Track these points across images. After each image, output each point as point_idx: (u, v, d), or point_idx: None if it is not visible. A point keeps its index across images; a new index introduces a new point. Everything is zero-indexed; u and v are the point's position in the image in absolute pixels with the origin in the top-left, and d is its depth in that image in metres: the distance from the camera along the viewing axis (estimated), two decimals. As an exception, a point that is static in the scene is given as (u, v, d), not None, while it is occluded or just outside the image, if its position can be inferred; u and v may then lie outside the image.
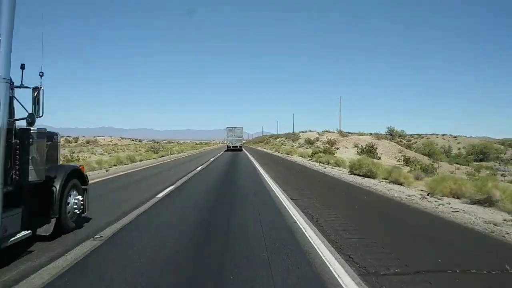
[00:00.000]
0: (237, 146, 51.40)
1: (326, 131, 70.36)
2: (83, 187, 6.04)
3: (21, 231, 4.45)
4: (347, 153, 40.91)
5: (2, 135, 3.81)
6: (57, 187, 5.21)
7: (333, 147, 45.56)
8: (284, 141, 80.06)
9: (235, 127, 53.14)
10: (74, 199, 5.74)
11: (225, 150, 50.59)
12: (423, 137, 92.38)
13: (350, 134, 62.05)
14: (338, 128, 70.33)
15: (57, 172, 5.37)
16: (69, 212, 5.57)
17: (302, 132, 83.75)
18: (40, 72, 4.80)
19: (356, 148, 44.34)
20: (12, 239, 4.23)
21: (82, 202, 5.91)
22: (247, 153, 44.15)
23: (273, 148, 64.79)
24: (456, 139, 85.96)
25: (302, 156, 37.22)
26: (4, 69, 3.80)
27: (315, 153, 33.01)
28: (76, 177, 5.88)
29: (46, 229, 4.94)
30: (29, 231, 4.60)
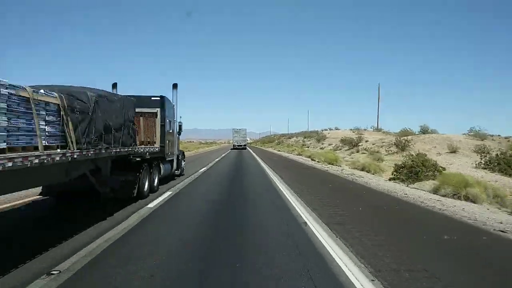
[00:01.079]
0: (241, 145, 58.30)
1: (358, 129, 55.38)
2: (183, 159, 15.56)
3: (175, 171, 13.44)
4: (455, 164, 23.54)
5: (177, 138, 13.69)
6: (180, 157, 14.46)
7: (408, 152, 25.93)
8: (304, 141, 64.45)
9: (240, 129, 60.70)
10: (183, 163, 15.10)
11: (231, 149, 56.70)
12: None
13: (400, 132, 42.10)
14: (376, 125, 56.26)
15: (179, 152, 14.32)
16: (182, 168, 14.81)
17: (324, 130, 68.33)
18: (180, 116, 13.50)
19: (457, 153, 27.20)
20: (175, 173, 13.71)
21: (184, 165, 15.28)
22: (259, 160, 28.71)
23: (292, 151, 46.21)
24: (509, 141, 66.49)
25: (370, 171, 19.60)
26: (176, 117, 13.03)
27: (412, 167, 15.98)
28: (183, 154, 15.35)
29: (177, 173, 14.00)
30: (177, 170, 13.85)
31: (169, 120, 11.78)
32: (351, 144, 40.65)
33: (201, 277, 4.04)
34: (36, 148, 4.29)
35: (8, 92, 3.81)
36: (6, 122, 3.78)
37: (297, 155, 39.05)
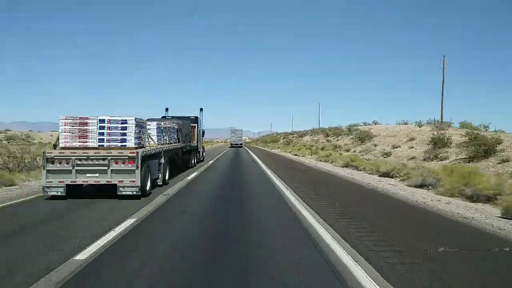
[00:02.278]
0: (238, 144, 67.56)
1: (418, 123, 36.49)
2: (204, 151, 25.69)
3: (201, 157, 23.40)
4: None
5: (201, 137, 22.54)
6: (203, 150, 24.93)
7: None
8: (329, 141, 45.29)
9: (236, 130, 71.07)
10: (203, 153, 24.99)
11: (229, 147, 65.09)
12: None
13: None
14: (439, 118, 37.04)
15: (202, 147, 24.51)
16: (203, 156, 24.84)
17: (354, 125, 47.85)
18: (204, 126, 23.36)
19: None
20: (201, 159, 23.61)
21: (204, 155, 25.16)
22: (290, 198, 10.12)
23: (326, 157, 27.35)
24: None
25: None
26: (203, 125, 23.05)
27: None
28: (203, 148, 25.55)
29: (202, 159, 23.73)
30: (201, 157, 23.71)
31: (199, 129, 21.45)
32: (480, 148, 18.33)
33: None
34: (175, 143, 13.99)
35: (173, 127, 13.55)
36: (170, 136, 13.41)
37: (355, 168, 19.56)
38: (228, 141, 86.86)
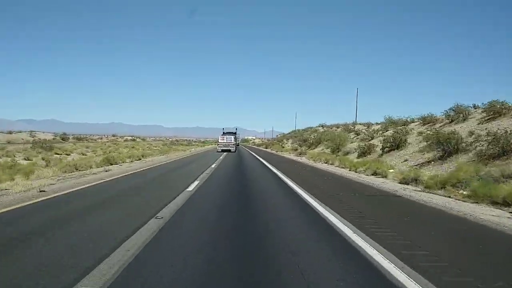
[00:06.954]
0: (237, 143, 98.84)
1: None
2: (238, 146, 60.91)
3: (236, 148, 53.61)
4: None
5: (238, 140, 58.66)
6: (237, 145, 58.97)
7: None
8: None
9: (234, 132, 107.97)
10: (237, 145, 56.43)
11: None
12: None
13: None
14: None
15: (238, 143, 59.56)
16: (237, 148, 54.90)
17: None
18: (239, 133, 60.95)
19: None
20: (236, 148, 54.76)
21: (237, 147, 57.47)
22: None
23: None
24: None
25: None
26: (238, 133, 58.86)
27: None
28: (238, 144, 60.96)
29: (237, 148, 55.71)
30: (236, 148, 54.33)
31: (237, 135, 58.04)
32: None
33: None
34: (235, 141, 50.55)
35: (235, 137, 50.23)
36: (235, 138, 49.74)
37: None
38: None
